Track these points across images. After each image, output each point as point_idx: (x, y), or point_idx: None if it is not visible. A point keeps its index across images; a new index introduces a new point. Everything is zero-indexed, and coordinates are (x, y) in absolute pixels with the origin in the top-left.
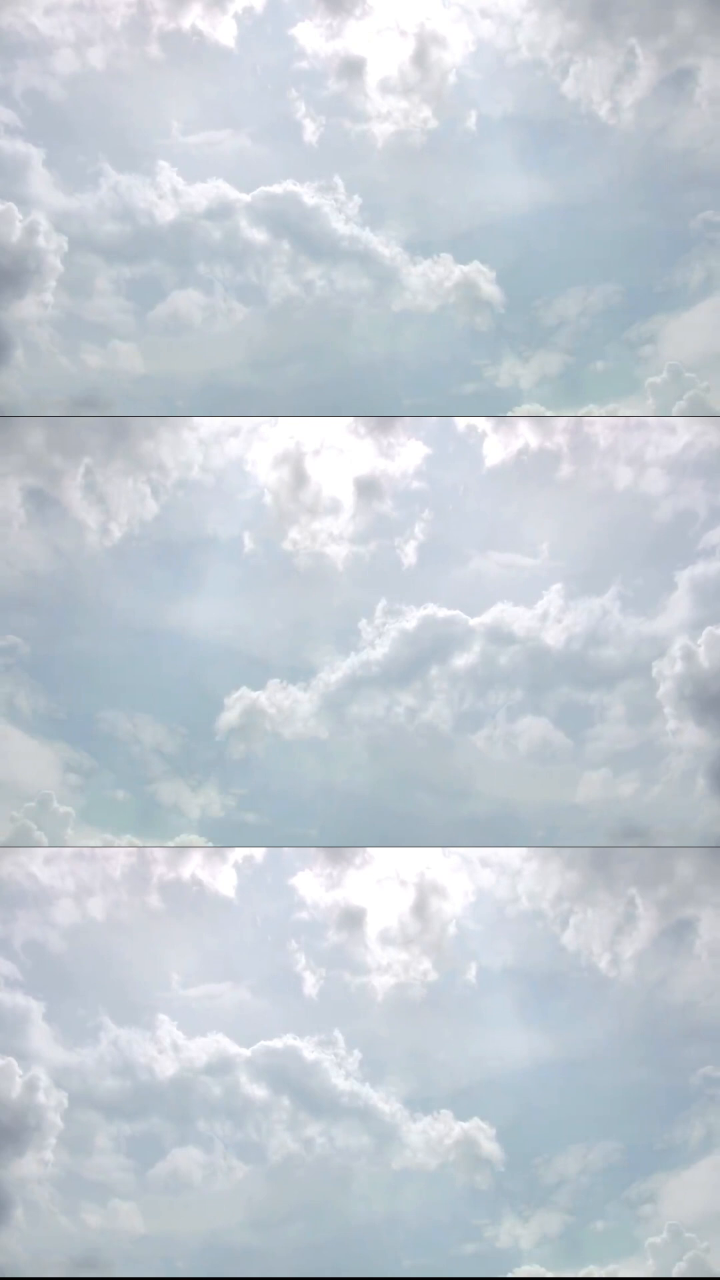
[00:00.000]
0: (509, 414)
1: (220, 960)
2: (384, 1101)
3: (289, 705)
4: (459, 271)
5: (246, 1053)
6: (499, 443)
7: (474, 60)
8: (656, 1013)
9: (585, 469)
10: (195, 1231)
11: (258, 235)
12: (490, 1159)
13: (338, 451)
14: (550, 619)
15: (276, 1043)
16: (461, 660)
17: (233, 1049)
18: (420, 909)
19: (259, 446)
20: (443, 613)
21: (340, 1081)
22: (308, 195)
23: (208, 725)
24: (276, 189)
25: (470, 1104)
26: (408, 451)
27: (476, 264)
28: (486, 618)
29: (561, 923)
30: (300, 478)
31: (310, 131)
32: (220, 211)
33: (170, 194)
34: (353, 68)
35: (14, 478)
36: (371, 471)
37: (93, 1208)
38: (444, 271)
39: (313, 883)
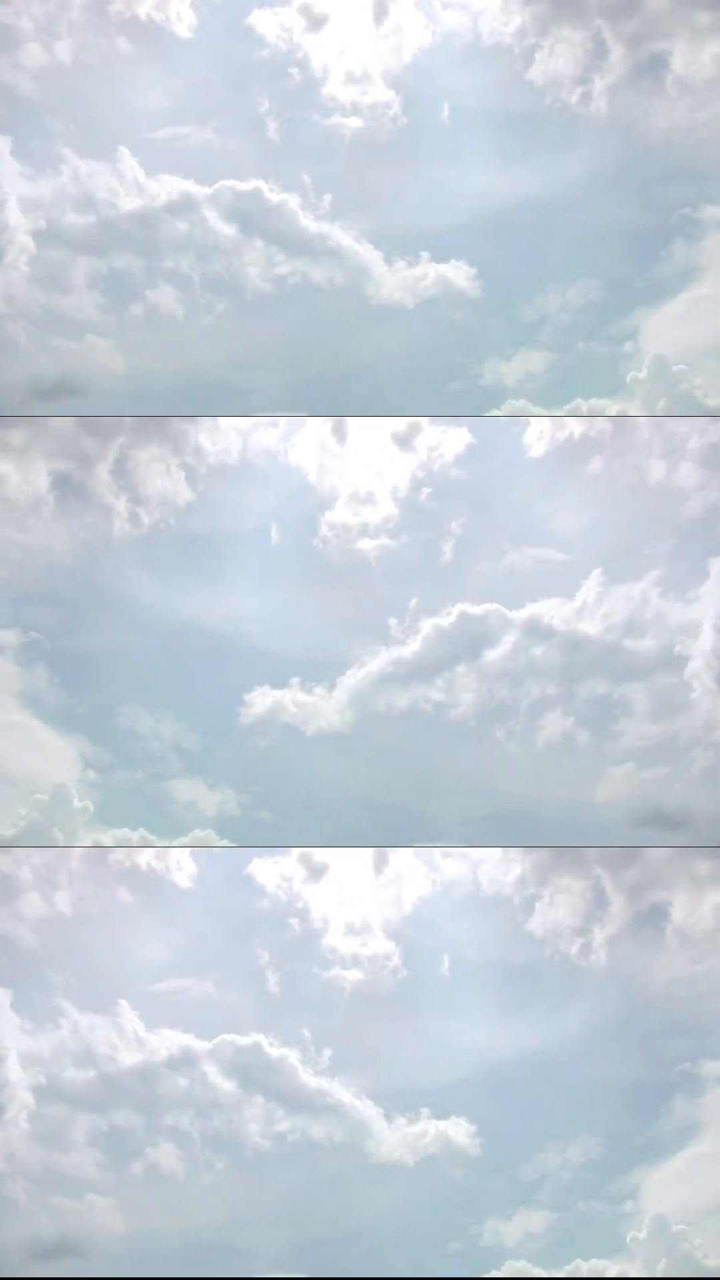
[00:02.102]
0: (491, 413)
1: (190, 954)
2: (360, 1099)
3: (312, 703)
4: (435, 270)
5: (209, 1046)
6: (535, 437)
7: (439, 50)
8: (630, 1000)
9: (619, 463)
10: (172, 1229)
11: (232, 232)
12: (470, 1155)
13: (373, 445)
14: (585, 612)
15: (248, 1039)
16: (491, 656)
17: (200, 1044)
18: (383, 900)
19: (296, 437)
20: (474, 608)
21: (316, 1079)
22: (283, 193)
23: (229, 722)
24: (248, 185)
25: (447, 1100)
26: (443, 446)
27: (454, 262)
28: (521, 613)
29: (527, 909)
30: (335, 471)
31: (279, 127)
32: (190, 207)
33: (135, 187)
34: (316, 59)
35: (43, 461)
36: (406, 466)
37: (63, 1200)
38: (422, 269)
39: (279, 875)
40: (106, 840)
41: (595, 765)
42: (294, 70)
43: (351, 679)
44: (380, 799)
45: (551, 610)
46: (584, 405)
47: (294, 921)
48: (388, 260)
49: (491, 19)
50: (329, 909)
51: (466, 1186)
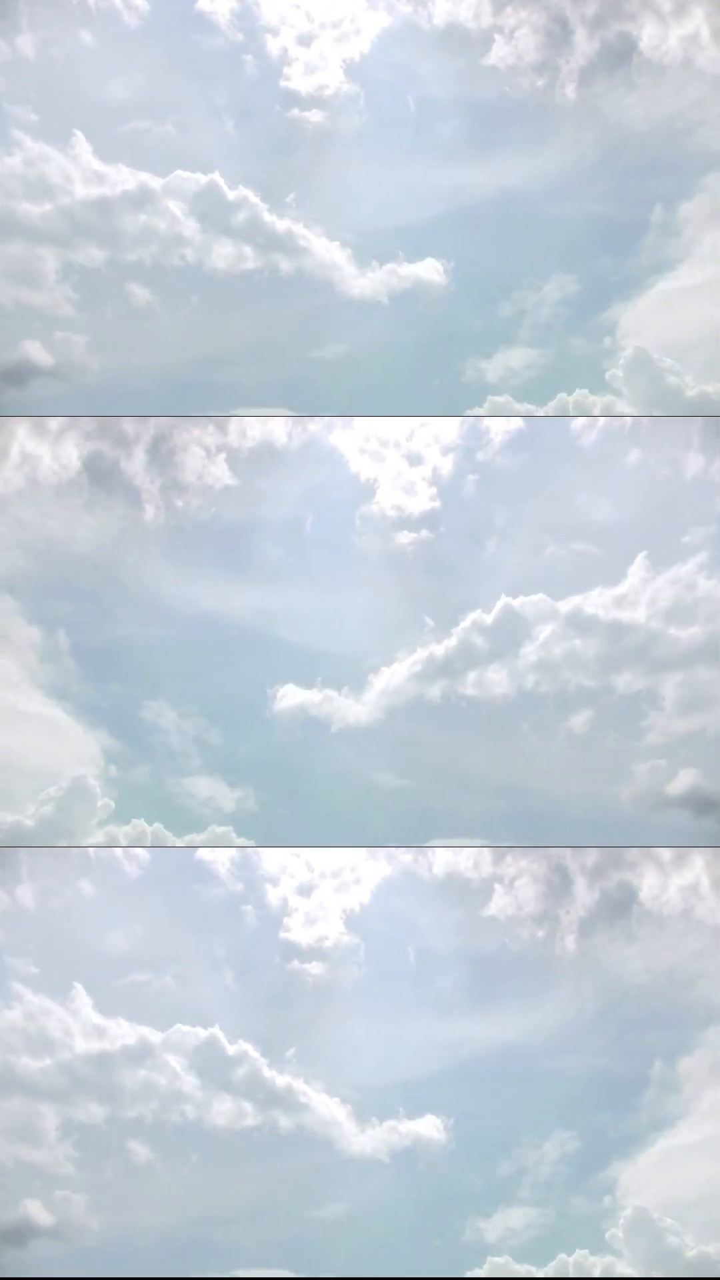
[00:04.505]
0: (474, 411)
1: (161, 948)
2: (337, 1096)
3: (339, 699)
4: (408, 266)
5: (177, 1040)
6: (567, 432)
7: (397, 34)
8: (604, 988)
9: (655, 456)
10: (151, 1225)
11: (207, 227)
12: (448, 1152)
13: (410, 440)
14: (627, 600)
15: (219, 1033)
16: (526, 650)
17: (176, 1039)
18: (346, 891)
19: (338, 431)
20: (513, 600)
21: (297, 1077)
22: (252, 189)
23: (253, 717)
24: (210, 177)
25: (424, 1096)
26: (483, 442)
27: (429, 259)
28: (555, 607)
29: (486, 895)
30: (372, 464)
31: (252, 123)
32: (158, 202)
33: (95, 177)
34: (273, 46)
35: (75, 447)
36: (443, 461)
37: (34, 1193)
38: (396, 265)
39: (247, 869)
40: (121, 837)
41: (621, 760)
42: (248, 58)
43: (382, 676)
44: (403, 796)
45: (592, 600)
46: (569, 400)
47: (248, 909)
48: (360, 257)
49: (452, 6)
50: (288, 895)
51: (444, 1182)
